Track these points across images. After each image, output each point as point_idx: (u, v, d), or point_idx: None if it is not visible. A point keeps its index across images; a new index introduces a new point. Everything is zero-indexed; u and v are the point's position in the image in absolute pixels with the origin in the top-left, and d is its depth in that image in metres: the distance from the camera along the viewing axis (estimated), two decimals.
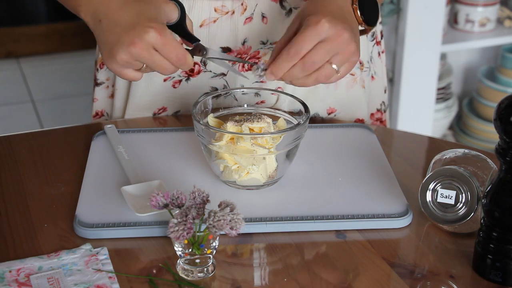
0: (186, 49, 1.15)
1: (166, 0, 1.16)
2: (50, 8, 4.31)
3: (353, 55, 1.16)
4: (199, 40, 1.18)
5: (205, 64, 1.38)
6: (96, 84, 1.52)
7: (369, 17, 1.22)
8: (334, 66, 1.15)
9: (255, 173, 1.16)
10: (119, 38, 1.11)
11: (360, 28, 1.22)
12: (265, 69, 1.16)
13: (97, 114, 1.54)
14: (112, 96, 1.51)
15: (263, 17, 1.35)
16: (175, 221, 0.97)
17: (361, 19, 1.21)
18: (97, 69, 1.51)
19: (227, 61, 1.22)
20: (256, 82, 1.39)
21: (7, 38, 4.18)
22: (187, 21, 1.19)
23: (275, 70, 1.14)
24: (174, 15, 1.16)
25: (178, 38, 1.20)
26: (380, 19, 1.50)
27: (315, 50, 1.12)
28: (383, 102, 1.55)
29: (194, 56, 1.16)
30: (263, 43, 1.36)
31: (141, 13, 1.12)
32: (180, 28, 1.17)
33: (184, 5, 1.18)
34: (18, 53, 4.21)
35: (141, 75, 1.16)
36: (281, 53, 1.13)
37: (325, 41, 1.12)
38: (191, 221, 0.97)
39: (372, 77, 1.51)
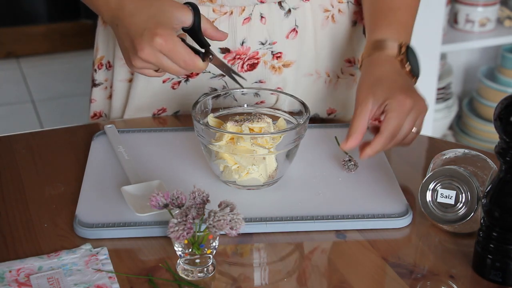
0: (199, 51, 1.17)
1: (180, 6, 1.17)
2: (50, 8, 4.31)
3: (426, 111, 1.21)
4: (209, 45, 1.19)
5: None
6: (94, 85, 1.52)
7: (414, 68, 1.27)
8: (414, 129, 1.20)
9: (255, 173, 1.16)
10: (132, 45, 1.15)
11: None
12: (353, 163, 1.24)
13: (95, 115, 1.54)
14: (110, 97, 1.50)
15: (262, 17, 1.35)
16: (175, 221, 0.97)
17: (408, 70, 1.25)
18: (95, 70, 1.51)
19: (225, 69, 1.23)
20: (255, 82, 1.39)
21: (7, 38, 4.18)
22: (204, 22, 1.19)
23: (371, 153, 1.17)
24: (188, 21, 1.18)
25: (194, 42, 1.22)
26: None
27: (402, 129, 1.17)
28: None
29: (205, 60, 1.18)
30: (262, 44, 1.36)
31: (150, 19, 1.15)
32: (194, 33, 1.19)
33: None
34: (18, 53, 4.21)
35: (163, 73, 1.21)
36: (376, 140, 1.16)
37: (408, 113, 1.17)
38: (191, 221, 0.97)
39: None
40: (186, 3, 1.18)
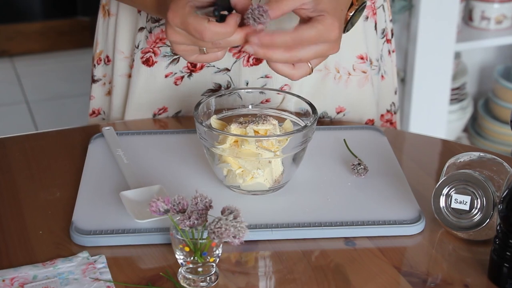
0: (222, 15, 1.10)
1: None
2: (45, 5, 4.32)
3: (326, 58, 1.18)
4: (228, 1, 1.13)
5: None
6: (93, 81, 1.53)
7: (349, 25, 1.23)
8: (309, 64, 1.16)
9: (260, 177, 1.16)
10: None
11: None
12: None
13: (93, 112, 1.55)
14: (109, 93, 1.51)
15: None
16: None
17: (345, 26, 1.21)
18: (94, 65, 1.52)
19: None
20: (261, 77, 1.39)
21: (1, 36, 4.19)
22: None
23: (264, 41, 1.10)
24: None
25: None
26: (390, 17, 1.50)
27: (308, 49, 1.12)
28: (393, 103, 1.55)
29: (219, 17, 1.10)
30: None
31: None
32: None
33: None
34: (12, 52, 4.21)
35: (201, 54, 1.15)
36: (285, 33, 1.10)
37: (323, 44, 1.12)
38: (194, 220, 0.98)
39: (382, 76, 1.51)
40: None
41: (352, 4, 1.21)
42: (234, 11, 1.11)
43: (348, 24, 1.22)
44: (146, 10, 1.28)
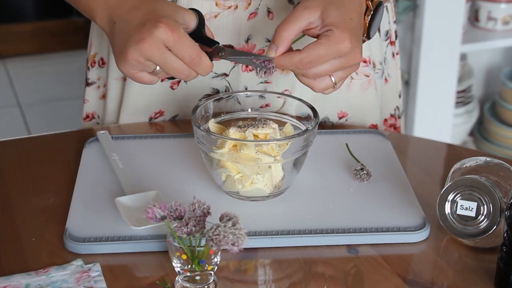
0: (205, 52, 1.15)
1: (184, 8, 1.16)
2: (38, 5, 4.31)
3: (355, 69, 1.19)
4: (218, 43, 1.18)
5: None
6: (87, 84, 1.52)
7: (373, 24, 1.23)
8: (333, 79, 1.17)
9: (259, 183, 1.16)
10: (130, 36, 1.12)
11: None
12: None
13: (87, 116, 1.54)
14: (103, 97, 1.51)
15: (269, 12, 1.35)
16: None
17: (366, 32, 1.22)
18: (88, 68, 1.51)
19: (244, 58, 1.21)
20: (261, 83, 1.39)
21: None
22: (206, 29, 1.19)
23: (279, 66, 1.16)
24: (192, 23, 1.16)
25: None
26: (394, 18, 1.50)
27: (322, 66, 1.14)
28: (397, 107, 1.55)
29: (213, 60, 1.16)
30: (269, 41, 1.36)
31: (154, 11, 1.13)
32: (198, 34, 1.17)
33: (183, 2, 1.18)
34: (4, 53, 4.21)
35: (157, 78, 1.17)
36: (293, 55, 1.14)
37: (338, 58, 1.14)
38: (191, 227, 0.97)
39: (386, 79, 1.51)
40: (190, 9, 1.18)
41: (367, 9, 1.21)
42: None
43: (369, 30, 1.22)
44: (92, 17, 1.23)
